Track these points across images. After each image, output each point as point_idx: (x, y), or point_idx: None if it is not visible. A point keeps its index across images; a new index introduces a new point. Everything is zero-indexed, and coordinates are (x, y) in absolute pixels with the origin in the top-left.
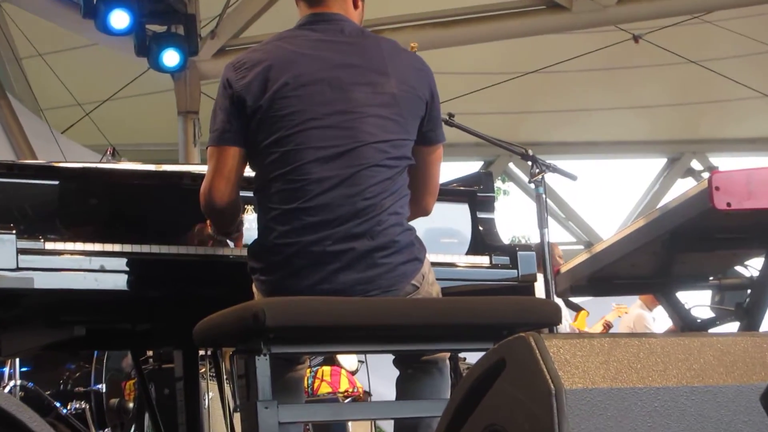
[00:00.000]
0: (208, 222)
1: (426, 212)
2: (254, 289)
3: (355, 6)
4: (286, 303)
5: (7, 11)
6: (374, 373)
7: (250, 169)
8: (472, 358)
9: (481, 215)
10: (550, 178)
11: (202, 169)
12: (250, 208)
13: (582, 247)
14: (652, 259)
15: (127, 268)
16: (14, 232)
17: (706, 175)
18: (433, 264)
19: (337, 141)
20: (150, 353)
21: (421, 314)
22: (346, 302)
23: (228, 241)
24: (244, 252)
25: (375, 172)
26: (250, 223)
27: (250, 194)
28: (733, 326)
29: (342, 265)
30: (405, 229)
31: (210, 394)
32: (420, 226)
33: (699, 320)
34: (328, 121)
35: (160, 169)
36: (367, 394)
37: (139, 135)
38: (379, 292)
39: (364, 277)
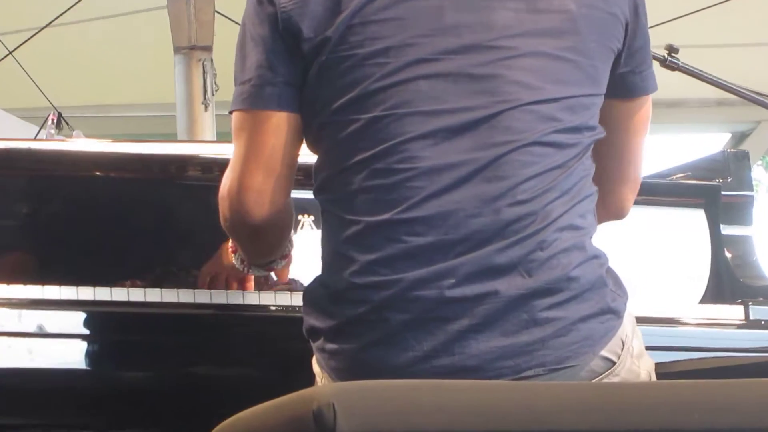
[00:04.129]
0: (229, 244)
1: (619, 213)
2: (314, 366)
3: None
4: (374, 392)
5: None
6: None
7: (306, 151)
8: None
9: (728, 230)
10: None
11: (222, 151)
12: (306, 220)
13: None
14: None
15: (85, 331)
16: None
17: None
18: (641, 321)
19: (466, 100)
20: None
21: (627, 415)
22: (483, 391)
23: (268, 271)
24: (297, 300)
25: (535, 157)
26: (306, 245)
27: (307, 196)
28: None
29: (474, 322)
30: (590, 256)
31: None
32: (611, 248)
33: None
34: (449, 65)
35: (144, 152)
36: None
37: (104, 91)
38: (544, 371)
39: (516, 344)
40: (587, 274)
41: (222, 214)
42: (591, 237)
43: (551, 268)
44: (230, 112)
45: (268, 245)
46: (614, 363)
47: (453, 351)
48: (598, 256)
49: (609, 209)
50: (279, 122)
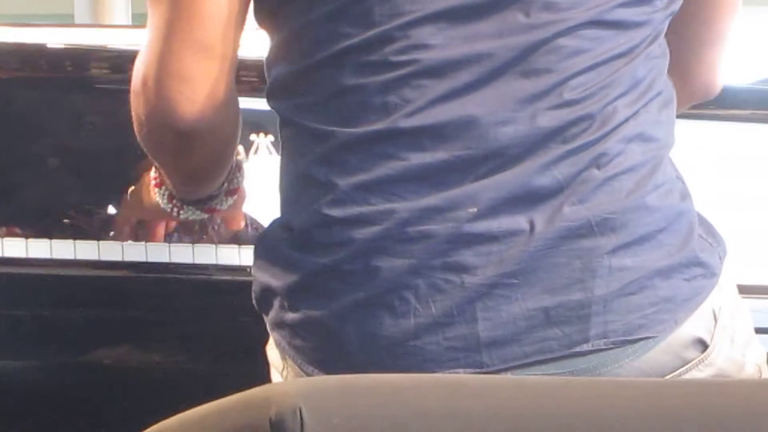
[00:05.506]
0: (152, 175)
1: (709, 88)
2: (270, 352)
3: None
4: (361, 392)
5: None
6: None
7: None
8: None
9: None
10: None
11: (140, 40)
12: (262, 141)
13: None
14: None
15: None
16: None
17: None
18: (743, 291)
19: None
20: None
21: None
22: (523, 391)
23: (208, 213)
24: (248, 257)
25: (589, 42)
26: (261, 176)
27: (262, 106)
28: None
29: (504, 270)
30: (669, 179)
31: None
32: (694, 183)
33: None
34: None
35: (28, 41)
36: None
37: None
38: (606, 344)
39: (565, 304)
40: (665, 207)
41: (136, 118)
42: (669, 152)
43: (611, 193)
44: None
45: (204, 164)
46: (705, 346)
47: (474, 316)
48: (678, 182)
49: (693, 85)
50: None
